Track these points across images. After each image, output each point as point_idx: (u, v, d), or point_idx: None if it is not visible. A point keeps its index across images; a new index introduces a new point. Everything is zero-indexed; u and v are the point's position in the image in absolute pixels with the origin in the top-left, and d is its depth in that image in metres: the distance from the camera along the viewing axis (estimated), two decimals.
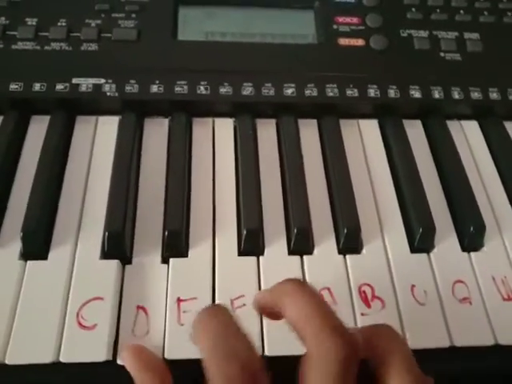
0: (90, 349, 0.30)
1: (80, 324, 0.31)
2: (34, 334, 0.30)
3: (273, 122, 0.42)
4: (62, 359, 0.30)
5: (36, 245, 0.33)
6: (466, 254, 0.36)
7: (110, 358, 0.30)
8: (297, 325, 0.24)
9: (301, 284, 0.26)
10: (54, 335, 0.30)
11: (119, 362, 0.30)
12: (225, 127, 0.42)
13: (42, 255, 0.33)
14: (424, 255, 0.36)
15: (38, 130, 0.40)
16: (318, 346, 0.23)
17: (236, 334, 0.24)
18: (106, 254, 0.34)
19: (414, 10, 0.47)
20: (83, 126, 0.40)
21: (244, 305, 0.32)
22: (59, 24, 0.42)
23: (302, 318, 0.24)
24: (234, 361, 0.23)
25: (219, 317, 0.26)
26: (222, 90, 0.41)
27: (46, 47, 0.41)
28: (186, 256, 0.34)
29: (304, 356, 0.23)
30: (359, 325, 0.32)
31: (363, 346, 0.24)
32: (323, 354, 0.22)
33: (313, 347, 0.23)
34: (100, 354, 0.30)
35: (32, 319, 0.31)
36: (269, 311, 0.27)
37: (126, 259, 0.34)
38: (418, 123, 0.44)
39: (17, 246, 0.34)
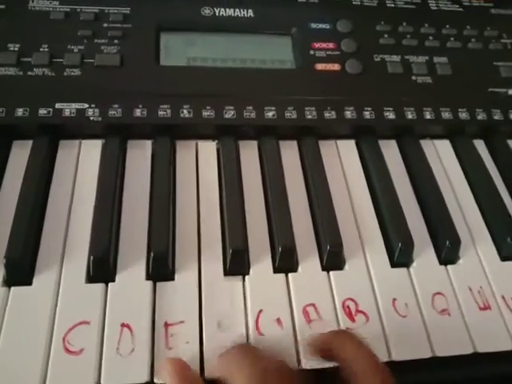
0: (77, 375, 0.30)
1: (67, 349, 0.30)
2: (19, 362, 0.30)
3: (255, 143, 0.44)
4: None
5: (20, 271, 0.33)
6: (443, 267, 0.38)
7: (98, 383, 0.30)
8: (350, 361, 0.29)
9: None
10: (39, 362, 0.30)
11: None
12: (208, 149, 0.42)
13: (27, 281, 0.33)
14: (404, 269, 0.37)
15: (20, 154, 0.39)
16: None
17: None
18: (91, 278, 0.34)
19: (386, 35, 0.49)
20: (66, 151, 0.40)
21: (232, 325, 0.33)
22: (42, 50, 0.43)
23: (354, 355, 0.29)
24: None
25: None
26: (205, 114, 0.42)
27: (29, 73, 0.41)
28: (173, 279, 0.34)
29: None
30: None
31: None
32: None
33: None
34: (87, 379, 0.30)
35: (17, 346, 0.30)
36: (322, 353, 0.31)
37: (110, 279, 0.34)
38: (393, 143, 0.46)
39: (0, 273, 0.33)
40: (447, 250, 0.38)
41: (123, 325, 0.32)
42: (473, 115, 0.46)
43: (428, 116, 0.45)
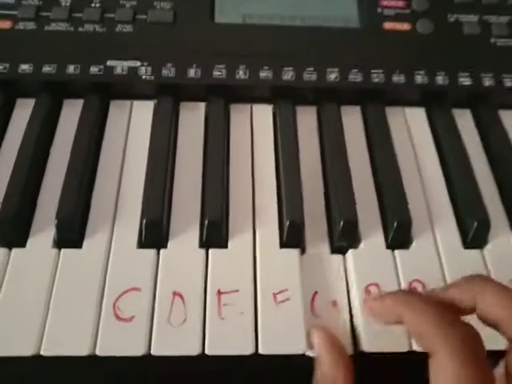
0: (127, 342, 0.29)
1: (117, 316, 0.29)
2: (69, 326, 0.29)
3: (313, 109, 0.40)
4: (99, 353, 0.28)
5: (70, 232, 0.32)
6: None
7: (148, 352, 0.29)
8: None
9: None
10: (90, 327, 0.29)
11: (155, 354, 0.28)
12: (263, 114, 0.40)
13: (77, 243, 0.32)
14: (477, 251, 0.34)
15: (71, 113, 0.38)
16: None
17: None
18: (142, 243, 0.32)
19: None
20: (118, 111, 0.39)
21: (288, 299, 0.31)
22: (93, 5, 0.41)
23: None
24: (462, 324, 0.25)
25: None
26: (262, 75, 0.39)
27: (80, 29, 0.40)
28: (226, 247, 0.32)
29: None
30: None
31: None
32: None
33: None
34: (138, 348, 0.28)
35: (67, 310, 0.29)
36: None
37: (162, 246, 0.32)
38: (468, 113, 0.41)
39: (50, 234, 0.32)
40: None
41: (175, 293, 0.30)
42: None
43: (508, 84, 0.40)
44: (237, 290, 0.31)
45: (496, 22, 0.43)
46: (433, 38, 0.42)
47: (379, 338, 0.30)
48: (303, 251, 0.33)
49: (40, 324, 0.29)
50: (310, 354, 0.29)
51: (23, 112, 0.38)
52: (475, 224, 0.33)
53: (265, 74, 0.39)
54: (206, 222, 0.32)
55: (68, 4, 0.41)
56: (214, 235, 0.32)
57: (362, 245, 0.33)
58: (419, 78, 0.40)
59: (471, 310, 0.27)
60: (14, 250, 0.31)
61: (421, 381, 0.30)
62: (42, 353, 0.28)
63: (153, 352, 0.29)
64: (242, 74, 0.39)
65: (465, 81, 0.40)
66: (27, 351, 0.28)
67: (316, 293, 0.31)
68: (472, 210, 0.34)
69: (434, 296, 0.28)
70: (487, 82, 0.40)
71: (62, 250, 0.32)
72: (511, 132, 0.40)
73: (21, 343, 0.28)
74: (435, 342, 0.24)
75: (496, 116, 0.41)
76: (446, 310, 0.26)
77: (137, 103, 0.39)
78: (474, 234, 0.33)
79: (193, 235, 0.33)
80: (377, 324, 0.30)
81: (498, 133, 0.39)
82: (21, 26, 0.39)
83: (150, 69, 0.38)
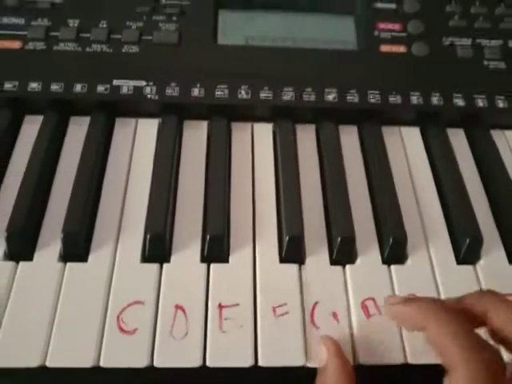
0: (130, 354, 0.29)
1: (121, 328, 0.30)
2: (74, 338, 0.30)
3: (312, 127, 0.42)
4: (103, 364, 0.29)
5: (76, 246, 0.33)
6: None
7: (150, 364, 0.29)
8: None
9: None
10: (94, 339, 0.30)
11: (157, 365, 0.29)
12: (264, 132, 0.41)
13: (82, 257, 0.33)
14: (470, 267, 0.35)
15: (77, 131, 0.39)
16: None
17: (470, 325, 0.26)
18: (146, 258, 0.33)
19: (456, 17, 0.46)
20: (123, 128, 0.40)
21: (287, 313, 0.31)
22: (100, 26, 0.42)
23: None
24: (487, 346, 0.24)
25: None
26: (263, 95, 0.40)
27: (88, 49, 0.41)
28: (227, 261, 0.33)
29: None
30: (404, 338, 0.31)
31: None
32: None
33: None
34: (141, 360, 0.29)
35: (72, 322, 0.30)
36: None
37: (165, 260, 0.33)
38: (461, 132, 0.43)
39: (56, 248, 0.33)
40: None
41: (177, 307, 0.31)
42: None
43: (501, 104, 0.42)
44: (237, 304, 0.31)
45: (488, 46, 0.45)
46: (428, 61, 0.44)
47: (375, 351, 0.31)
48: (303, 262, 0.34)
49: (46, 336, 0.30)
50: (309, 365, 0.30)
51: (31, 128, 0.39)
52: (467, 241, 0.34)
53: (265, 94, 0.40)
54: (208, 237, 0.33)
55: (76, 25, 0.42)
56: (216, 250, 0.33)
57: (358, 260, 0.34)
58: (415, 99, 0.41)
59: (481, 324, 0.27)
60: (21, 264, 0.32)
61: None
62: (47, 364, 0.29)
63: (155, 364, 0.29)
64: (243, 93, 0.40)
65: (459, 102, 0.42)
66: (33, 362, 0.29)
67: (316, 303, 0.32)
68: (464, 227, 0.35)
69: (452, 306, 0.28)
70: (480, 102, 0.42)
71: (68, 264, 0.33)
72: (503, 151, 0.41)
73: (27, 355, 0.29)
74: (457, 361, 0.24)
75: (489, 135, 0.42)
76: (474, 330, 0.26)
77: (142, 121, 0.40)
78: (467, 250, 0.35)
79: (195, 250, 0.34)
80: (373, 337, 0.31)
81: (490, 152, 0.41)
82: (30, 46, 0.41)
83: (154, 88, 0.39)
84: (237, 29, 0.44)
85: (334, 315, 0.32)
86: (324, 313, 0.32)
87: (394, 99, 0.41)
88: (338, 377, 0.28)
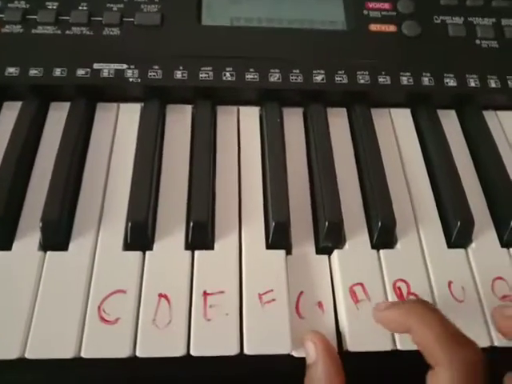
0: (112, 344, 0.29)
1: (102, 318, 0.29)
2: (54, 329, 0.29)
3: (300, 110, 0.41)
4: (84, 355, 0.28)
5: (56, 235, 0.32)
6: (505, 249, 0.34)
7: (133, 354, 0.29)
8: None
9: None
10: (75, 330, 0.29)
11: (140, 355, 0.29)
12: (250, 115, 0.40)
13: (63, 246, 0.32)
14: (462, 251, 0.34)
15: (57, 116, 0.38)
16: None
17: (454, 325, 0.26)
18: (128, 245, 0.32)
19: None
20: (104, 113, 0.39)
21: (273, 300, 0.31)
22: (80, 8, 0.41)
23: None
24: (470, 345, 0.25)
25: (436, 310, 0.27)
26: (248, 77, 0.39)
27: (67, 32, 0.40)
28: (212, 248, 0.33)
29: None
30: None
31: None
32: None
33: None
34: (123, 350, 0.28)
35: (52, 313, 0.29)
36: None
37: (148, 247, 0.32)
38: (453, 113, 0.42)
39: (36, 237, 0.32)
40: (510, 230, 0.34)
41: (160, 295, 0.30)
42: None
43: (493, 84, 0.41)
44: (222, 292, 0.31)
45: (481, 24, 0.44)
46: (418, 40, 0.42)
47: (363, 338, 0.30)
48: (289, 252, 0.33)
49: (25, 327, 0.29)
50: (295, 354, 0.30)
51: (10, 114, 0.38)
52: (458, 223, 0.34)
53: (251, 76, 0.39)
54: (192, 223, 0.32)
55: (55, 7, 0.41)
56: (200, 237, 0.32)
57: (347, 245, 0.34)
58: (405, 80, 0.40)
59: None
60: (0, 253, 0.31)
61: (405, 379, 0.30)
62: (26, 356, 0.28)
63: (138, 354, 0.29)
64: (228, 76, 0.39)
65: (450, 82, 0.41)
66: (12, 354, 0.28)
67: (301, 293, 0.32)
68: (456, 210, 0.34)
69: None
70: (472, 82, 0.41)
71: (48, 253, 0.32)
72: (495, 132, 0.40)
73: (5, 347, 0.28)
74: (440, 362, 0.25)
75: (481, 116, 0.41)
76: (457, 328, 0.26)
77: (123, 106, 0.39)
78: (458, 233, 0.34)
79: (179, 237, 0.33)
80: (361, 323, 0.30)
81: (482, 133, 0.40)
82: (7, 29, 0.40)
83: (136, 71, 0.38)
84: (222, 9, 0.42)
85: (320, 304, 0.31)
86: (309, 303, 0.31)
87: (384, 80, 0.40)
88: (326, 372, 0.27)
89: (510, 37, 0.43)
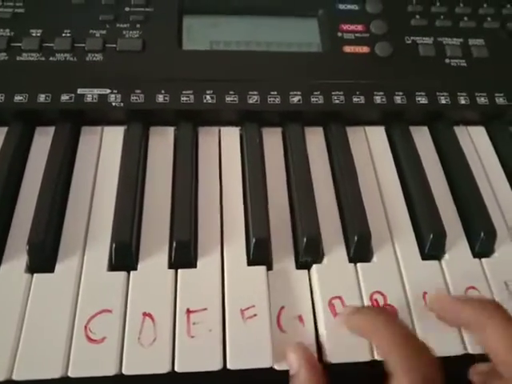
0: (99, 363, 0.29)
1: (88, 338, 0.30)
2: (41, 349, 0.30)
3: (279, 130, 0.42)
4: (71, 374, 0.29)
5: (42, 257, 0.33)
6: (477, 260, 0.36)
7: (119, 372, 0.29)
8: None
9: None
10: (62, 350, 0.30)
11: (126, 373, 0.29)
12: (231, 136, 0.41)
13: (49, 268, 0.33)
14: (435, 262, 0.35)
15: (42, 141, 0.39)
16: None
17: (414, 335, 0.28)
18: (113, 266, 0.33)
19: (418, 16, 0.47)
20: (89, 137, 0.40)
21: (255, 315, 0.32)
22: (64, 35, 0.42)
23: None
24: (425, 354, 0.26)
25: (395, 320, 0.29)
26: (228, 99, 0.40)
27: (51, 58, 0.41)
28: (195, 267, 0.34)
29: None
30: None
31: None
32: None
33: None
34: (109, 368, 0.29)
35: (39, 333, 0.30)
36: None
37: (132, 267, 0.33)
38: (425, 129, 0.44)
39: (23, 259, 0.33)
40: (482, 241, 0.36)
41: (145, 314, 0.31)
42: (511, 100, 0.43)
43: (463, 101, 0.43)
44: (205, 309, 0.32)
45: (450, 44, 0.46)
46: (391, 60, 0.44)
47: (343, 349, 0.31)
48: (270, 268, 0.34)
49: (12, 348, 0.29)
50: (277, 367, 0.31)
51: None
52: (431, 235, 0.35)
53: (231, 98, 0.40)
54: (175, 243, 0.33)
55: (39, 34, 0.42)
56: (183, 256, 0.33)
57: (325, 260, 0.35)
58: (378, 99, 0.42)
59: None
60: None
61: None
62: (14, 377, 0.29)
63: (124, 372, 0.29)
64: (209, 98, 0.40)
65: (421, 99, 0.42)
66: None
67: (282, 308, 0.33)
68: (428, 223, 0.36)
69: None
70: (443, 100, 0.43)
71: (35, 275, 0.32)
72: (466, 147, 0.42)
73: None
74: (397, 371, 0.25)
75: (452, 132, 0.43)
76: (414, 336, 0.27)
77: (107, 129, 0.40)
78: (431, 245, 0.35)
79: (162, 256, 0.34)
80: (340, 335, 0.31)
81: (453, 148, 0.42)
82: None
83: (119, 96, 0.39)
84: (201, 34, 0.44)
85: (300, 318, 0.32)
86: (289, 317, 0.32)
87: (358, 99, 0.41)
88: (308, 381, 0.28)
89: (477, 56, 0.45)
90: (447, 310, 0.30)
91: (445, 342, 0.32)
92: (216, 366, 0.30)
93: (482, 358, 0.30)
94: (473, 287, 0.34)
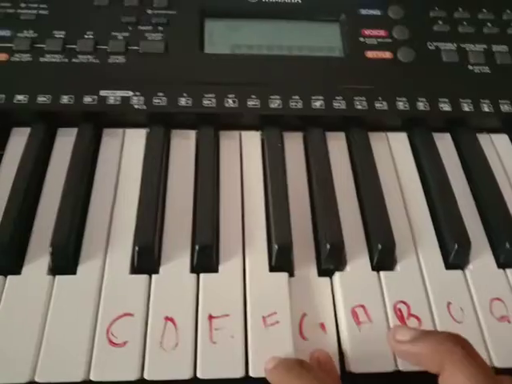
0: (120, 367, 0.29)
1: (110, 341, 0.30)
2: (63, 352, 0.29)
3: (300, 135, 0.42)
4: (93, 378, 0.29)
5: (65, 259, 0.33)
6: (501, 270, 0.35)
7: (141, 377, 0.29)
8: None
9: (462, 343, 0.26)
10: (84, 353, 0.30)
11: (148, 378, 0.29)
12: (252, 140, 0.41)
13: (71, 270, 0.33)
14: (459, 272, 0.35)
15: (65, 142, 0.39)
16: None
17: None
18: (135, 269, 0.33)
19: (440, 22, 0.46)
20: (110, 139, 0.40)
21: (277, 322, 0.31)
22: (86, 37, 0.42)
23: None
24: None
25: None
26: (250, 103, 0.40)
27: (74, 60, 0.41)
28: (217, 271, 0.33)
29: None
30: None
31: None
32: None
33: None
34: (131, 373, 0.29)
35: (61, 336, 0.30)
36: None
37: (154, 271, 0.33)
38: (448, 136, 0.43)
39: (45, 261, 0.33)
40: (507, 252, 0.36)
41: (167, 318, 0.31)
42: None
43: (486, 108, 0.42)
44: (227, 315, 0.31)
45: (473, 50, 0.45)
46: (413, 66, 0.44)
47: (366, 359, 0.31)
48: (292, 274, 0.34)
49: (35, 351, 0.29)
50: None
51: (19, 140, 0.39)
52: (456, 246, 0.35)
53: (253, 102, 0.40)
54: (197, 247, 0.33)
55: (62, 36, 0.42)
56: (205, 260, 0.33)
57: (348, 267, 0.34)
58: (401, 105, 0.41)
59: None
60: (9, 277, 0.32)
61: None
62: (36, 379, 0.29)
63: (146, 376, 0.29)
64: (231, 102, 0.40)
65: (444, 106, 0.42)
66: (22, 378, 0.28)
67: (304, 315, 0.32)
68: (453, 232, 0.35)
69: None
70: (466, 107, 0.42)
71: (57, 277, 0.32)
72: (489, 154, 0.42)
73: (15, 370, 0.29)
74: None
75: (475, 139, 0.42)
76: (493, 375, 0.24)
77: (129, 131, 0.40)
78: (455, 255, 0.35)
79: (184, 260, 0.34)
80: (363, 345, 0.31)
81: (477, 155, 0.41)
82: (16, 57, 0.41)
83: (142, 98, 0.39)
84: (223, 38, 0.44)
85: (322, 326, 0.32)
86: (311, 324, 0.32)
87: (381, 105, 0.41)
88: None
89: (500, 62, 0.45)
90: (394, 346, 0.29)
91: None
92: (238, 373, 0.30)
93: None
94: (498, 298, 0.34)
